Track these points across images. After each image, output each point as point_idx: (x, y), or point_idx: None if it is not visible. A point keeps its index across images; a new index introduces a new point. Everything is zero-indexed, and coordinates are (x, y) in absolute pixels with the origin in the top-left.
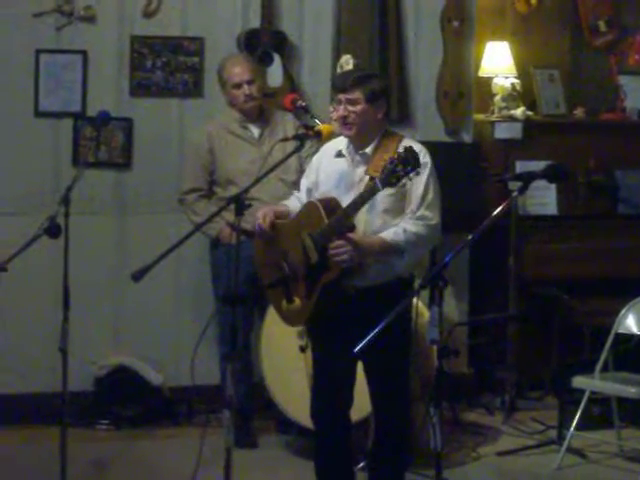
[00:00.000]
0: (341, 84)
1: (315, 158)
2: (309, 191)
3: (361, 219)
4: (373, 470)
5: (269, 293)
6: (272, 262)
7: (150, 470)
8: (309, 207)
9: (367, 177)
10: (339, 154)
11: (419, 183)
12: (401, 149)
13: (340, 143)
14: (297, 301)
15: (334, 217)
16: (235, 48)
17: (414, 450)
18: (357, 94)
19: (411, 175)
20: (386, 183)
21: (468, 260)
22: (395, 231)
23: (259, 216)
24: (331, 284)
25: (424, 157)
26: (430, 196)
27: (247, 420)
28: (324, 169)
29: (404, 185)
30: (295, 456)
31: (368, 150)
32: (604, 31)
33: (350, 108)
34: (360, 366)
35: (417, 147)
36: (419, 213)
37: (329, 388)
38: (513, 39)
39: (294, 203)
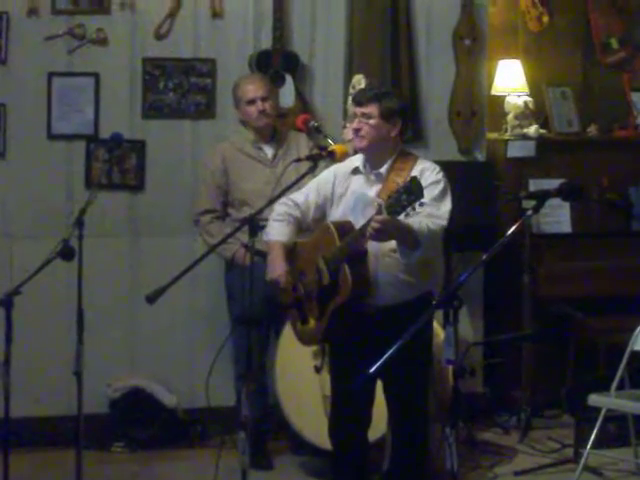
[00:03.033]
0: (358, 98)
1: (328, 173)
2: (318, 208)
3: (374, 243)
4: None
5: (291, 311)
6: (290, 282)
7: None
8: (324, 229)
9: (379, 201)
10: (355, 171)
11: (431, 193)
12: (409, 177)
13: (356, 160)
14: (312, 322)
15: (345, 240)
16: (247, 69)
17: (430, 470)
18: (372, 108)
19: (415, 205)
20: (390, 211)
21: (482, 279)
22: (420, 222)
23: (280, 280)
24: (342, 308)
25: (437, 175)
26: (444, 204)
27: (262, 441)
28: (338, 185)
29: (407, 215)
30: (310, 477)
31: (382, 170)
32: (616, 49)
33: (364, 121)
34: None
35: (431, 166)
36: (436, 212)
37: (348, 408)
38: (525, 57)
39: (285, 231)
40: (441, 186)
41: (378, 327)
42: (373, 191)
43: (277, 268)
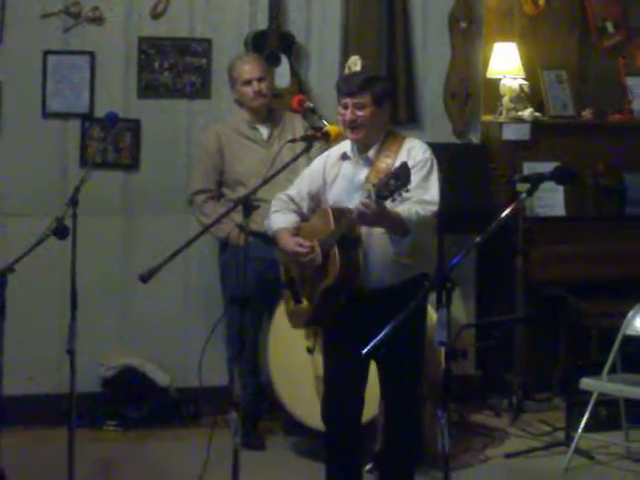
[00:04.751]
0: (347, 88)
1: (318, 162)
2: (313, 197)
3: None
4: (383, 471)
5: (285, 291)
6: (292, 265)
7: (157, 471)
8: (322, 213)
9: (369, 185)
10: (344, 156)
11: (417, 175)
12: (400, 161)
13: (344, 146)
14: (305, 303)
15: (339, 224)
16: (243, 49)
17: (422, 452)
18: (365, 98)
19: (402, 191)
20: (379, 197)
21: (475, 261)
22: (409, 209)
23: (299, 251)
24: (332, 291)
25: (424, 153)
26: (432, 185)
27: (254, 422)
28: (329, 172)
29: (394, 200)
30: (302, 457)
31: (370, 154)
32: (612, 32)
33: (358, 112)
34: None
35: (418, 145)
36: (426, 197)
37: (342, 390)
38: (521, 40)
39: (288, 218)
40: (428, 165)
41: (371, 309)
42: (362, 175)
43: (290, 245)
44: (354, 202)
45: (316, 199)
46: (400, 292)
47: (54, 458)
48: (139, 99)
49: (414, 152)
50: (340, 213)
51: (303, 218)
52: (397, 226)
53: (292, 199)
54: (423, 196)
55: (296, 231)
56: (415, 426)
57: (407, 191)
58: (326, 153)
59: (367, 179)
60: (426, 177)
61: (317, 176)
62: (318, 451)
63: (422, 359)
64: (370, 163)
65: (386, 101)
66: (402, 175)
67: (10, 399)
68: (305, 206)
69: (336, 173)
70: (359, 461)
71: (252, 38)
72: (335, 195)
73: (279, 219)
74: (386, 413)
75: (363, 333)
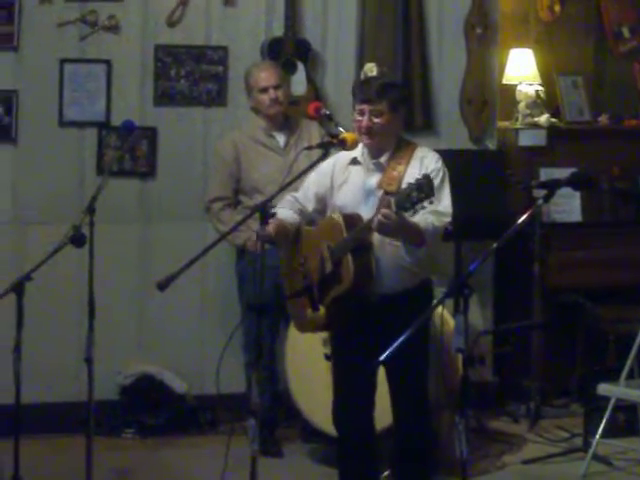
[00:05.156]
0: (365, 95)
1: (326, 165)
2: (320, 200)
3: (375, 234)
4: (398, 478)
5: (292, 301)
6: (295, 271)
7: (175, 479)
8: (331, 219)
9: (381, 191)
10: (354, 161)
11: None
12: (410, 170)
13: (354, 150)
14: (322, 310)
15: (353, 232)
16: (259, 57)
17: (439, 458)
18: (382, 105)
19: (425, 203)
20: (400, 207)
21: (492, 268)
22: (425, 219)
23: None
24: (343, 296)
25: (436, 162)
26: (445, 195)
27: (272, 429)
28: (337, 176)
29: (415, 212)
30: (320, 464)
31: (382, 160)
32: (628, 38)
33: (375, 119)
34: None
35: (430, 154)
36: (439, 208)
37: (351, 395)
38: (537, 46)
39: (289, 213)
40: (441, 175)
41: (379, 315)
42: (373, 181)
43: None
44: (363, 207)
45: (322, 201)
46: (405, 298)
47: (72, 466)
48: (155, 107)
49: (427, 161)
50: (351, 220)
51: (307, 219)
52: (414, 237)
53: (297, 199)
54: (437, 207)
55: (297, 230)
56: (426, 430)
57: (431, 203)
58: (335, 156)
59: (379, 185)
60: (439, 187)
61: (324, 179)
62: (336, 457)
63: (427, 363)
64: (382, 169)
65: (401, 108)
66: (425, 187)
67: (28, 407)
68: (310, 207)
69: (345, 178)
70: (374, 466)
71: (268, 45)
72: (343, 199)
73: (277, 213)
74: (394, 418)
75: (371, 338)
